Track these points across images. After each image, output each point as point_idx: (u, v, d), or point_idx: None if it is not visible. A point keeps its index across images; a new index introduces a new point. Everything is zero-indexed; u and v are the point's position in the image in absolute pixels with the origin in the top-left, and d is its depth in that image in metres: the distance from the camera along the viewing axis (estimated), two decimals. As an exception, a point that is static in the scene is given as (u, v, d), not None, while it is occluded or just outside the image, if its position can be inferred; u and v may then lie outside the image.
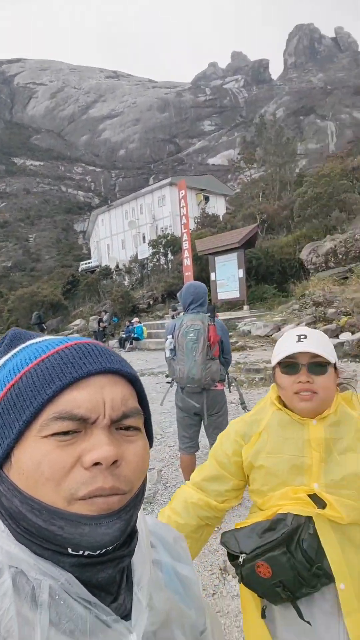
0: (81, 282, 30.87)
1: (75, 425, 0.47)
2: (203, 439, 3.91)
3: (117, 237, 44.90)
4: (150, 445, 0.58)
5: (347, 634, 1.04)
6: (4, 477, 0.48)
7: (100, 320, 19.45)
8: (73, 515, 0.45)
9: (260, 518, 1.13)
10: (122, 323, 19.94)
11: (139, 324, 17.20)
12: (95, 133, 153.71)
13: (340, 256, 15.49)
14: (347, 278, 13.95)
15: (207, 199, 40.48)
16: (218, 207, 40.80)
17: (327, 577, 1.03)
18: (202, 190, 40.11)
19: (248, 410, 4.17)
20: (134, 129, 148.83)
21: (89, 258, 53.09)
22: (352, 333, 9.98)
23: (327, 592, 1.06)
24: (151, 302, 22.68)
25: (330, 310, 11.40)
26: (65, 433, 0.46)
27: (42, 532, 0.45)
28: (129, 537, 0.52)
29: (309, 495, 1.09)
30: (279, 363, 1.20)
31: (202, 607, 0.65)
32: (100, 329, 18.97)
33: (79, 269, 44.79)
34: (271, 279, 18.43)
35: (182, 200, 19.20)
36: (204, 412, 3.60)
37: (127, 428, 0.52)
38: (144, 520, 0.59)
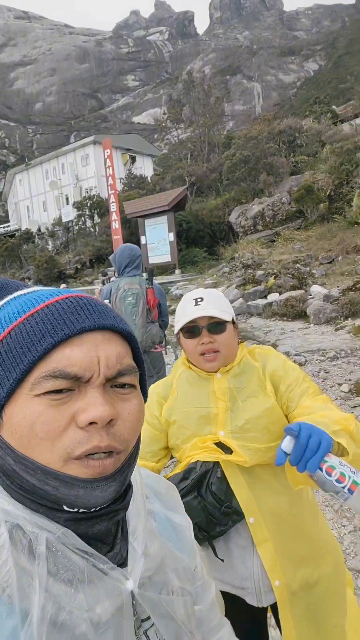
0: (0, 248, 28.52)
1: (68, 383, 0.46)
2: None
3: (38, 198, 41.92)
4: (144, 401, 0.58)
5: (260, 563, 1.16)
6: None
7: (23, 288, 18.23)
8: (68, 477, 0.44)
9: (178, 470, 1.21)
10: (48, 290, 18.90)
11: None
12: (7, 82, 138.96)
13: (268, 219, 15.84)
14: (274, 241, 14.37)
15: (133, 159, 39.00)
16: (145, 168, 39.53)
17: (237, 515, 1.13)
18: (128, 150, 38.47)
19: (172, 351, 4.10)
20: (50, 80, 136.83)
21: (7, 221, 49.21)
22: (280, 293, 10.35)
23: (241, 528, 1.16)
24: (79, 267, 21.70)
25: (259, 272, 11.70)
26: (59, 391, 0.45)
27: (37, 491, 0.45)
28: (124, 492, 0.52)
29: (216, 443, 1.17)
30: (181, 329, 1.26)
31: (193, 550, 0.68)
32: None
33: (-3, 233, 41.32)
34: (201, 242, 18.45)
35: (108, 160, 18.18)
36: (151, 372, 3.64)
37: (122, 386, 0.50)
38: (139, 473, 0.59)
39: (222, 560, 1.17)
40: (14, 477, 0.46)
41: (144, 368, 0.57)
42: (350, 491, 0.81)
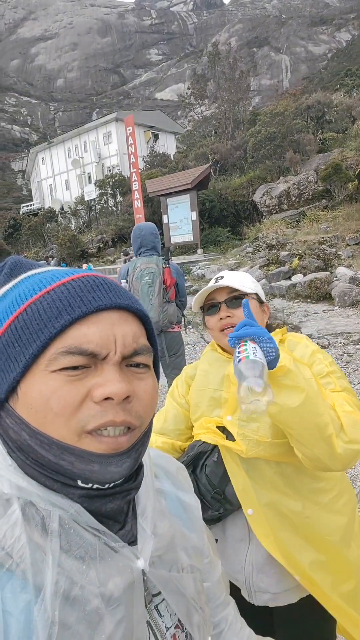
0: (23, 226, 28.80)
1: (84, 360, 0.46)
2: (162, 378, 3.94)
3: (60, 177, 41.91)
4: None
5: (252, 561, 1.11)
6: (10, 410, 0.47)
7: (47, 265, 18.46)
8: (83, 452, 0.45)
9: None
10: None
11: (89, 268, 16.51)
12: (28, 57, 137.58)
13: (293, 198, 15.46)
14: (299, 221, 14.05)
15: (156, 136, 38.37)
16: (168, 145, 38.88)
17: (229, 504, 1.10)
18: (150, 127, 37.83)
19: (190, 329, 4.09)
20: (72, 55, 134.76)
21: (30, 200, 49.55)
22: (304, 275, 10.18)
23: (238, 519, 1.13)
24: (101, 246, 21.77)
25: (283, 253, 11.50)
26: (75, 368, 0.46)
27: (52, 466, 0.46)
28: (136, 472, 0.53)
29: (220, 427, 1.15)
30: (202, 308, 1.26)
31: (202, 529, 0.69)
32: (48, 275, 18.07)
33: (20, 212, 41.69)
34: (224, 222, 18.19)
35: (130, 138, 17.96)
36: (164, 352, 3.65)
37: (137, 365, 0.51)
38: (148, 453, 0.60)
39: (216, 540, 1.15)
40: (29, 452, 0.46)
41: (157, 350, 0.58)
42: (239, 361, 0.87)
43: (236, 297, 1.19)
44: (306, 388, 0.95)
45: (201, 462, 1.13)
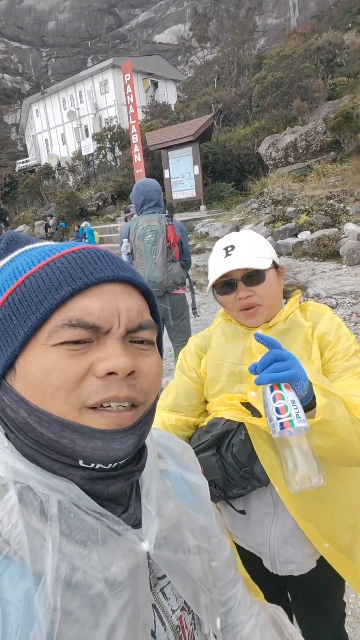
0: (20, 184, 27.80)
1: (87, 334, 0.44)
2: (167, 341, 3.89)
3: (56, 130, 40.19)
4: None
5: (277, 533, 1.12)
6: (7, 387, 0.46)
7: (47, 226, 18.04)
8: (85, 429, 0.43)
9: (205, 423, 1.16)
10: (71, 227, 18.61)
11: (89, 228, 16.10)
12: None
13: (300, 150, 14.75)
14: (306, 174, 13.48)
15: (155, 85, 36.36)
16: (168, 94, 36.86)
17: (258, 481, 1.06)
18: (149, 74, 35.73)
19: (198, 315, 4.16)
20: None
21: (26, 155, 47.77)
22: (311, 232, 9.87)
23: (264, 494, 1.11)
24: (100, 204, 21.14)
25: (290, 209, 11.11)
26: (76, 342, 0.44)
27: (52, 445, 0.44)
28: (139, 453, 0.52)
29: (246, 404, 1.09)
30: (214, 285, 1.15)
31: (209, 509, 0.68)
32: (48, 234, 17.67)
33: (16, 169, 40.23)
34: (228, 176, 17.48)
35: (129, 86, 16.90)
36: (168, 315, 3.53)
37: (142, 342, 0.49)
38: (151, 434, 0.58)
39: (244, 512, 1.14)
40: (27, 431, 0.44)
41: (160, 326, 0.55)
42: (282, 426, 0.79)
43: (254, 273, 1.09)
44: (341, 432, 0.90)
45: (226, 441, 1.07)
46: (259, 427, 1.05)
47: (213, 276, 1.12)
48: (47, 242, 0.53)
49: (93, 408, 0.44)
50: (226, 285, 1.12)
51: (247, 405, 1.09)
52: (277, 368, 0.84)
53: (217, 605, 0.63)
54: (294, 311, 1.17)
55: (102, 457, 0.44)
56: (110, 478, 0.46)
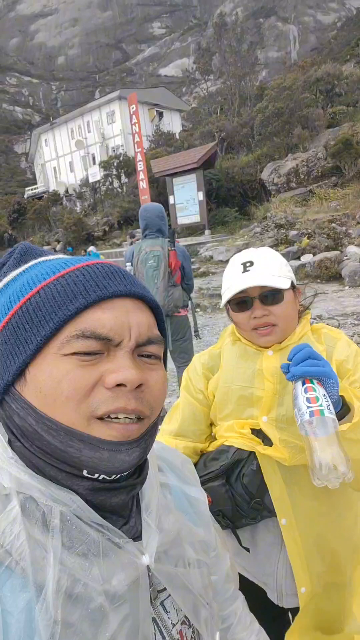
0: (29, 210, 28.58)
1: (98, 345, 0.45)
2: (169, 362, 3.93)
3: (64, 159, 41.39)
4: None
5: (285, 565, 1.06)
6: (16, 395, 0.46)
7: (54, 251, 18.40)
8: (93, 439, 0.43)
9: (212, 448, 1.12)
10: (77, 252, 18.97)
11: (95, 253, 16.42)
12: (27, 35, 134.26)
13: (302, 176, 15.10)
14: (308, 199, 13.75)
15: (160, 115, 37.57)
16: (173, 123, 38.08)
17: (268, 511, 1.03)
18: (155, 105, 36.98)
19: (199, 338, 4.16)
20: (72, 31, 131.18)
21: (35, 183, 49.08)
22: (314, 255, 10.01)
23: (272, 525, 1.07)
24: (107, 229, 21.60)
25: (292, 232, 11.30)
26: (87, 354, 0.45)
27: (58, 453, 0.44)
28: (140, 466, 0.52)
29: (256, 431, 1.04)
30: (229, 301, 1.09)
31: (209, 523, 0.68)
32: (55, 259, 18.01)
33: (25, 196, 41.37)
34: (232, 201, 17.87)
35: (134, 116, 17.55)
36: (168, 338, 3.58)
37: (149, 356, 0.50)
38: (152, 447, 0.58)
39: (248, 550, 1.11)
40: (34, 439, 0.45)
41: (166, 342, 0.58)
42: (312, 414, 0.79)
43: (272, 292, 1.04)
44: None
45: (237, 470, 1.03)
46: (271, 457, 1.00)
47: (229, 292, 1.07)
48: (60, 255, 0.54)
49: (101, 419, 0.44)
50: (242, 302, 1.07)
51: (258, 432, 1.04)
52: (311, 364, 0.84)
53: (217, 619, 0.63)
54: (305, 333, 1.12)
55: (108, 467, 0.44)
56: (113, 490, 0.47)
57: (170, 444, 1.16)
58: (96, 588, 0.43)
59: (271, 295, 1.04)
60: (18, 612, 0.39)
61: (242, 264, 1.07)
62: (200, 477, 1.01)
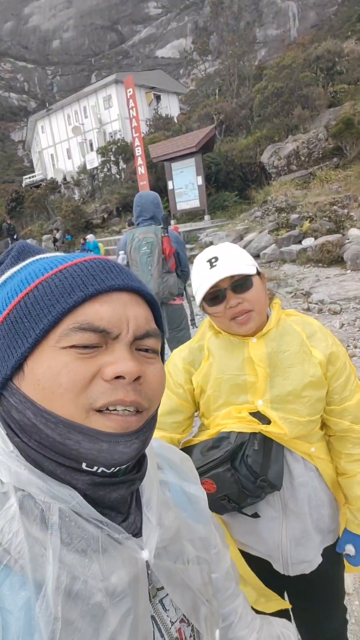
0: (26, 199, 28.27)
1: (96, 338, 0.46)
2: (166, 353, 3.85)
3: (61, 145, 40.83)
4: None
5: (288, 535, 1.15)
6: (14, 389, 0.46)
7: (55, 239, 18.28)
8: (92, 431, 0.44)
9: (205, 437, 1.16)
10: (77, 240, 18.82)
11: (94, 241, 16.28)
12: (21, 19, 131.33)
13: (302, 158, 14.83)
14: (309, 181, 13.52)
15: (158, 98, 36.90)
16: (171, 107, 37.37)
17: (271, 487, 1.09)
18: (152, 88, 36.29)
19: (196, 326, 4.21)
20: (67, 13, 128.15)
21: (32, 171, 48.58)
22: (315, 238, 9.87)
23: (272, 499, 1.15)
24: (105, 216, 21.40)
25: (293, 216, 11.13)
26: (86, 347, 0.45)
27: (57, 447, 0.44)
28: (139, 462, 0.53)
29: (254, 413, 1.11)
30: (203, 298, 1.15)
31: (208, 520, 0.68)
32: (56, 248, 17.91)
33: (23, 184, 40.94)
34: (232, 185, 17.60)
35: (131, 100, 17.19)
36: (164, 327, 3.55)
37: (147, 350, 0.51)
38: (150, 444, 0.59)
39: (259, 515, 1.16)
40: (32, 433, 0.45)
41: (164, 337, 0.57)
42: None
43: (241, 281, 1.10)
44: None
45: (240, 453, 1.08)
46: (272, 433, 1.09)
47: (201, 289, 1.12)
48: (57, 253, 0.55)
49: (99, 411, 0.44)
50: (215, 297, 1.12)
51: (255, 414, 1.11)
52: None
53: (217, 617, 0.62)
54: (281, 317, 1.20)
55: (107, 459, 0.44)
56: (112, 484, 0.46)
57: None
58: (96, 585, 0.43)
59: (241, 284, 1.10)
60: (17, 610, 0.39)
61: (207, 261, 1.13)
62: (200, 467, 1.08)
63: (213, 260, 1.12)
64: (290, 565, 1.18)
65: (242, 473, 1.07)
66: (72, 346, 0.45)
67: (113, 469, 0.45)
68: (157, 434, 1.20)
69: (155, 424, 0.53)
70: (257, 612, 0.82)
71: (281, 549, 1.16)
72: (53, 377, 0.44)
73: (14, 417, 0.46)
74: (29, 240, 22.45)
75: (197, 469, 1.04)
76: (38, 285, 0.47)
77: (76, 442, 0.44)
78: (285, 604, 1.27)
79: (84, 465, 0.44)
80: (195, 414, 1.29)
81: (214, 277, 1.09)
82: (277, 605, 1.27)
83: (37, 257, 0.53)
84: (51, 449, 0.44)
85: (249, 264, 1.13)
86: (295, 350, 1.14)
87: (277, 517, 1.16)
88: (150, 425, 0.50)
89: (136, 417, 0.47)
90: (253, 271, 1.11)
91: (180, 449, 1.14)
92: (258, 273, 1.16)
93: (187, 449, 1.18)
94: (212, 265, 1.12)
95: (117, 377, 0.45)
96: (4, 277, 0.51)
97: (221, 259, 1.12)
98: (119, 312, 0.47)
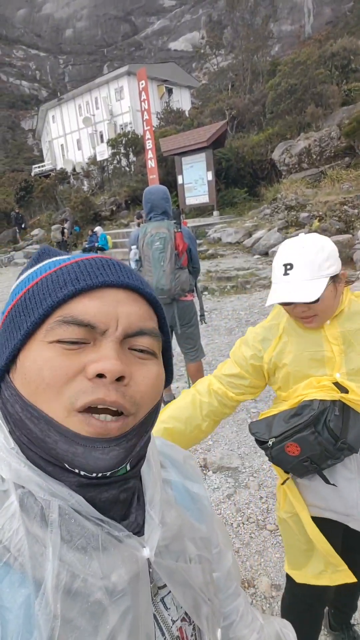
0: (35, 188, 28.22)
1: (81, 332, 0.45)
2: (176, 346, 3.91)
3: (72, 136, 40.72)
4: (169, 382, 0.57)
5: None
6: (8, 382, 0.47)
7: (63, 229, 18.26)
8: (68, 432, 0.43)
9: (285, 407, 1.26)
10: (85, 232, 18.81)
11: (102, 233, 16.26)
12: (35, 7, 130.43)
13: (314, 156, 14.71)
14: (320, 180, 13.42)
15: (170, 91, 36.66)
16: (183, 100, 37.11)
17: (350, 450, 1.18)
18: (164, 81, 36.04)
19: (205, 322, 4.31)
20: (80, 3, 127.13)
21: (42, 161, 48.48)
22: (325, 238, 9.81)
23: (349, 462, 1.25)
24: (114, 209, 21.34)
25: (303, 215, 11.07)
26: (73, 342, 0.45)
27: (39, 443, 0.44)
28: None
29: (333, 383, 1.22)
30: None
31: (211, 519, 0.68)
32: (64, 238, 17.90)
33: (32, 173, 40.86)
34: (241, 182, 17.51)
35: (143, 92, 17.06)
36: (175, 323, 3.52)
37: (142, 351, 0.49)
38: (153, 442, 0.58)
39: (335, 485, 1.26)
40: (22, 428, 0.45)
41: (170, 342, 0.55)
42: None
43: None
44: None
45: (322, 418, 1.18)
46: (351, 401, 1.19)
47: (273, 297, 1.22)
48: (75, 255, 0.55)
49: (82, 412, 0.43)
50: (285, 303, 1.24)
51: (334, 385, 1.23)
52: None
53: (218, 616, 0.62)
54: (350, 298, 1.30)
55: (82, 464, 0.43)
56: (103, 485, 0.45)
57: (212, 380, 1.42)
58: (95, 582, 0.43)
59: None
60: (17, 608, 0.39)
61: (283, 265, 1.20)
62: (284, 432, 1.21)
63: (288, 267, 1.19)
64: None
65: (324, 436, 1.17)
66: (58, 341, 0.44)
67: (95, 474, 0.44)
68: (217, 383, 1.40)
69: (147, 431, 0.50)
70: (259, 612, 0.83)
71: (359, 506, 1.26)
72: (36, 371, 0.44)
73: (9, 411, 0.46)
74: (36, 230, 22.50)
75: (281, 434, 1.22)
76: (38, 282, 0.48)
77: (54, 441, 0.43)
78: (352, 577, 1.33)
79: (66, 465, 0.43)
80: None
81: (283, 297, 1.18)
82: (344, 577, 1.33)
83: (54, 258, 0.53)
84: (36, 445, 0.44)
85: (324, 275, 1.17)
86: None
87: (354, 478, 1.25)
88: (138, 431, 0.47)
89: (118, 423, 0.44)
90: (325, 284, 1.16)
91: (260, 419, 1.33)
92: (333, 277, 1.20)
93: (267, 419, 1.29)
94: (285, 272, 1.19)
95: (99, 376, 0.43)
96: (21, 277, 0.53)
97: (295, 268, 1.18)
98: (108, 307, 0.46)
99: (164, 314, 0.54)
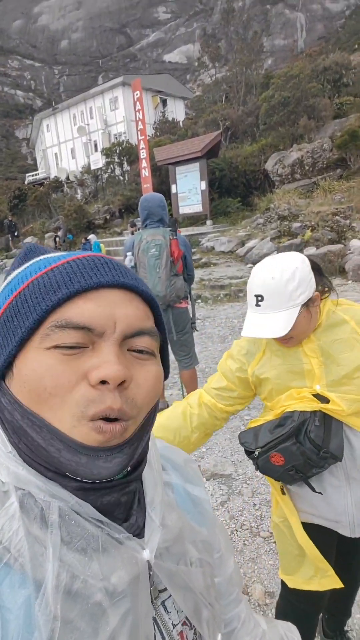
0: (29, 196, 28.26)
1: (78, 336, 0.43)
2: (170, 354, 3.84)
3: (66, 145, 40.91)
4: (166, 377, 0.56)
5: (353, 501, 1.28)
6: (5, 388, 0.45)
7: (56, 237, 18.27)
8: (72, 442, 0.42)
9: (271, 417, 1.29)
10: (78, 240, 18.82)
11: (95, 241, 16.28)
12: (31, 18, 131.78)
13: (307, 167, 14.93)
14: (312, 191, 13.61)
15: (164, 102, 37.08)
16: (177, 111, 37.57)
17: (333, 458, 1.20)
18: (158, 92, 36.45)
19: (196, 330, 4.31)
20: (76, 14, 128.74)
21: (35, 169, 48.63)
22: (317, 248, 9.91)
23: (336, 469, 1.27)
24: (108, 217, 21.40)
25: (295, 225, 11.19)
26: (70, 347, 0.43)
27: (41, 451, 0.43)
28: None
29: (313, 394, 1.24)
30: None
31: (213, 523, 0.67)
32: (57, 247, 17.90)
33: (26, 182, 40.93)
34: (235, 192, 17.68)
35: (138, 103, 17.24)
36: (171, 329, 3.55)
37: (140, 352, 0.48)
38: (154, 444, 0.57)
39: (321, 493, 1.28)
40: (21, 435, 0.44)
41: (167, 339, 0.55)
42: None
43: None
44: None
45: (303, 429, 1.21)
46: (332, 410, 1.21)
47: (246, 330, 1.24)
48: (62, 253, 0.53)
49: (93, 420, 0.42)
50: None
51: (315, 396, 1.24)
52: None
53: (219, 620, 0.62)
54: (329, 308, 1.30)
55: (86, 473, 0.42)
56: (104, 489, 0.45)
57: (203, 393, 1.44)
58: (95, 584, 0.43)
59: None
60: (17, 609, 0.39)
61: (255, 296, 1.22)
62: (268, 442, 1.23)
63: (259, 298, 1.20)
64: (356, 527, 1.30)
65: (306, 446, 1.19)
66: (56, 346, 0.43)
67: (98, 481, 0.43)
68: (208, 396, 1.43)
69: (148, 433, 0.50)
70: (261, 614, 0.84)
71: (347, 512, 1.29)
72: (37, 380, 0.42)
73: (6, 418, 0.45)
74: (29, 238, 22.45)
75: (267, 444, 1.25)
76: (29, 285, 0.46)
77: (57, 450, 0.42)
78: (338, 583, 1.35)
79: (68, 473, 0.43)
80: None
81: (255, 332, 1.21)
82: (331, 583, 1.35)
83: (41, 257, 0.51)
84: (37, 453, 0.43)
85: (296, 303, 1.16)
86: (345, 338, 1.25)
87: (342, 485, 1.28)
88: (139, 435, 0.47)
89: (119, 430, 0.44)
90: (296, 314, 1.16)
91: (249, 428, 1.35)
92: (306, 302, 1.19)
93: (255, 429, 1.32)
94: (257, 303, 1.21)
95: (103, 382, 0.43)
96: (9, 278, 0.51)
97: (266, 300, 1.19)
98: (104, 309, 0.45)
99: (160, 311, 0.53)
